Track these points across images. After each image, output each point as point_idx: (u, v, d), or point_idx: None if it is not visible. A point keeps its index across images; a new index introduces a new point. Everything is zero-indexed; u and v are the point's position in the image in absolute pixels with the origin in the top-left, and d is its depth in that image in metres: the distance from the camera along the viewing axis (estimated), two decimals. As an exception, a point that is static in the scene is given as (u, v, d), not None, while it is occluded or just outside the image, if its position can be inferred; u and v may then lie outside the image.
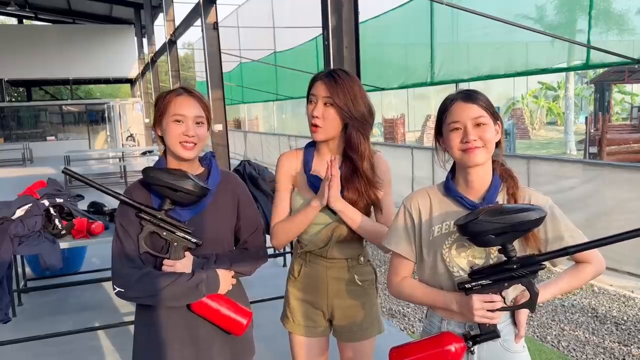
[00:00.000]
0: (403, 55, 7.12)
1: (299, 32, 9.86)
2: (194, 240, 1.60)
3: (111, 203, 1.80)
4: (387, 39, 7.29)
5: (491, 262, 1.42)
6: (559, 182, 5.87)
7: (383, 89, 7.48)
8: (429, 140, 19.65)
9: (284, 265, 5.02)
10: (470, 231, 1.31)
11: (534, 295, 1.35)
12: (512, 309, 1.43)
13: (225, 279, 1.62)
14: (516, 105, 25.67)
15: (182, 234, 1.60)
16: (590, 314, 4.30)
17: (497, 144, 1.47)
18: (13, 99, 29.94)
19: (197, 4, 6.64)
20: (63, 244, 3.27)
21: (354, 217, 1.73)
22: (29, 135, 21.74)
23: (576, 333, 3.95)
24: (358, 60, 3.27)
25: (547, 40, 4.86)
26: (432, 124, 19.86)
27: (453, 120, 1.42)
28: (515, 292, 1.44)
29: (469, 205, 1.43)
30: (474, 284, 1.35)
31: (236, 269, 1.68)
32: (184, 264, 1.59)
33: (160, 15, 12.44)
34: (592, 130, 14.32)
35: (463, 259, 1.44)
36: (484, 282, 1.35)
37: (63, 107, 23.07)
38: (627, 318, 4.20)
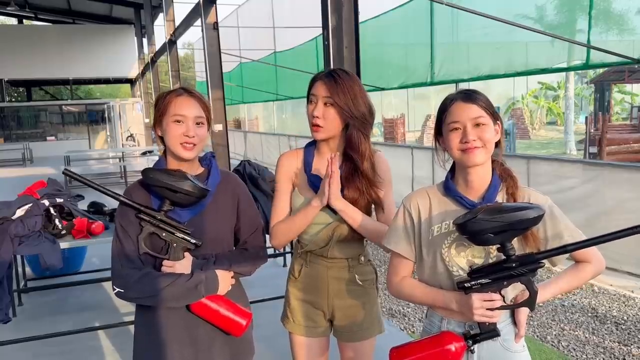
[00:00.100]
0: (403, 55, 7.12)
1: (299, 32, 9.86)
2: (193, 241, 1.61)
3: (111, 203, 1.80)
4: (387, 39, 7.29)
5: (490, 261, 1.42)
6: (559, 182, 5.87)
7: (383, 89, 7.48)
8: (429, 140, 19.65)
9: (284, 265, 5.02)
10: (469, 230, 1.32)
11: (533, 293, 1.36)
12: (512, 308, 1.43)
13: (225, 279, 1.62)
14: (516, 105, 25.67)
15: (181, 235, 1.60)
16: (590, 314, 4.30)
17: (497, 144, 1.47)
18: (13, 99, 29.95)
19: (197, 4, 6.64)
20: (63, 244, 3.28)
21: (354, 216, 1.73)
22: (29, 135, 21.75)
23: (576, 333, 3.95)
24: (358, 60, 3.27)
25: (547, 40, 4.86)
26: (432, 123, 19.86)
27: (452, 120, 1.43)
28: (515, 291, 1.45)
29: (468, 204, 1.44)
30: (473, 283, 1.36)
31: (236, 270, 1.68)
32: (183, 264, 1.59)
33: (160, 15, 12.44)
34: (592, 130, 14.32)
35: (462, 259, 1.45)
36: (483, 281, 1.35)
37: (63, 107, 23.08)
38: (627, 318, 4.20)
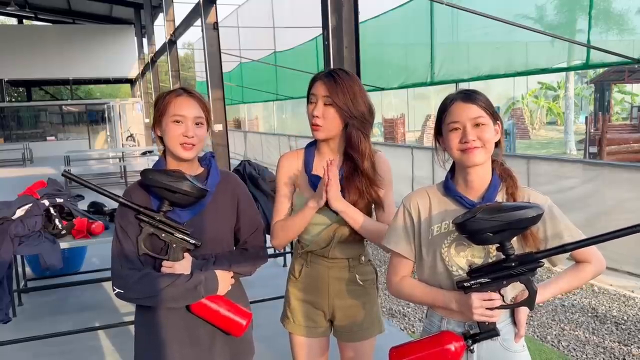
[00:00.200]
0: (403, 55, 7.12)
1: (299, 32, 9.86)
2: (192, 241, 1.61)
3: (111, 203, 1.80)
4: (387, 39, 7.29)
5: (490, 261, 1.42)
6: (559, 182, 5.87)
7: (383, 89, 7.48)
8: (429, 140, 19.64)
9: (284, 265, 5.02)
10: (468, 229, 1.32)
11: (532, 293, 1.36)
12: (511, 307, 1.43)
13: (224, 279, 1.62)
14: (516, 105, 25.67)
15: (180, 235, 1.60)
16: (590, 314, 4.30)
17: (497, 144, 1.47)
18: (13, 99, 29.94)
19: (197, 4, 6.64)
20: (63, 244, 3.28)
21: (355, 217, 1.73)
22: (29, 135, 21.75)
23: (576, 333, 3.95)
24: (358, 60, 3.27)
25: (547, 40, 4.86)
26: (432, 123, 19.86)
27: (452, 121, 1.43)
28: (514, 291, 1.45)
29: (468, 204, 1.44)
30: (472, 282, 1.36)
31: (236, 270, 1.68)
32: (183, 265, 1.59)
33: (160, 15, 12.45)
34: (592, 130, 14.32)
35: (462, 258, 1.45)
36: (482, 280, 1.35)
37: (63, 107, 23.07)
38: (627, 318, 4.20)
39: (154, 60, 14.19)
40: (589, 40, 4.27)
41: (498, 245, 1.34)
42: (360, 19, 3.37)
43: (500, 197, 1.46)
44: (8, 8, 17.53)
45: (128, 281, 1.56)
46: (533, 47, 5.20)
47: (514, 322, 1.47)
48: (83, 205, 3.91)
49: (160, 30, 11.38)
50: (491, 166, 1.47)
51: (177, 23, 9.26)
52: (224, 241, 1.71)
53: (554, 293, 1.48)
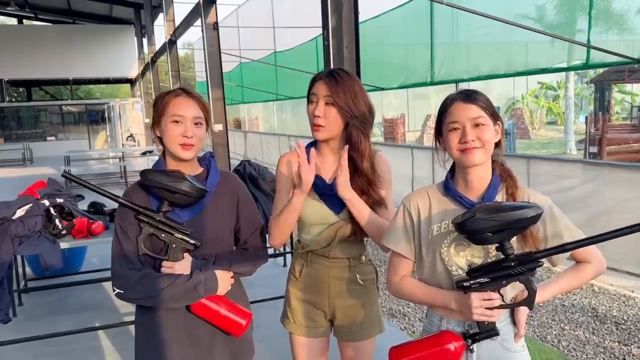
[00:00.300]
0: (403, 55, 7.12)
1: (299, 32, 9.87)
2: (192, 241, 1.61)
3: (111, 203, 1.81)
4: (387, 39, 7.30)
5: (490, 261, 1.42)
6: (559, 182, 5.87)
7: (383, 89, 7.49)
8: (429, 140, 19.64)
9: (284, 265, 5.02)
10: (468, 229, 1.32)
11: (532, 292, 1.36)
12: (510, 307, 1.43)
13: (224, 280, 1.62)
14: (516, 105, 25.67)
15: (180, 236, 1.60)
16: (590, 314, 4.30)
17: (497, 144, 1.47)
18: (13, 99, 29.95)
19: (197, 4, 6.65)
20: (63, 244, 3.28)
21: (360, 208, 1.72)
22: (29, 136, 21.74)
23: (576, 333, 3.95)
24: (358, 60, 3.27)
25: (547, 40, 4.86)
26: (432, 123, 19.87)
27: (452, 121, 1.43)
28: (514, 291, 1.45)
29: (467, 204, 1.44)
30: (472, 282, 1.36)
31: (236, 270, 1.68)
32: (183, 265, 1.60)
33: (160, 15, 12.45)
34: (592, 130, 14.31)
35: (462, 258, 1.45)
36: (482, 280, 1.35)
37: (63, 107, 23.07)
38: (627, 318, 4.20)
39: (154, 60, 14.20)
40: (589, 40, 4.27)
41: (497, 245, 1.34)
42: (360, 19, 3.37)
43: (500, 197, 1.46)
44: (8, 8, 17.54)
45: (128, 281, 1.56)
46: (533, 47, 5.21)
47: (514, 322, 1.47)
48: (83, 206, 3.91)
49: (160, 30, 11.39)
50: (491, 166, 1.47)
51: (177, 23, 9.26)
52: (223, 241, 1.71)
53: (554, 293, 1.48)
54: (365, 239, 1.87)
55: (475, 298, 1.35)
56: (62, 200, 3.51)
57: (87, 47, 20.84)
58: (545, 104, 26.38)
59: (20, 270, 4.39)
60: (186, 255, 1.62)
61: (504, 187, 1.47)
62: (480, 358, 1.46)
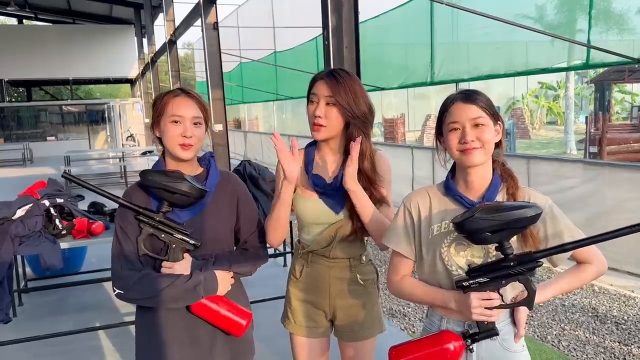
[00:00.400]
0: (403, 55, 7.12)
1: (299, 32, 9.87)
2: (192, 241, 1.61)
3: (111, 203, 1.81)
4: (387, 39, 7.30)
5: (489, 260, 1.42)
6: (559, 181, 5.87)
7: (383, 89, 7.49)
8: (429, 140, 19.64)
9: (284, 265, 5.02)
10: (467, 229, 1.32)
11: (531, 292, 1.36)
12: (510, 307, 1.43)
13: (224, 280, 1.62)
14: (516, 105, 25.67)
15: (180, 236, 1.60)
16: (590, 314, 4.30)
17: (498, 144, 1.47)
18: (13, 99, 29.95)
19: (197, 4, 6.65)
20: (63, 244, 3.28)
21: (363, 200, 1.71)
22: (29, 136, 21.74)
23: (576, 333, 3.95)
24: (358, 60, 3.27)
25: (547, 40, 4.86)
26: (432, 123, 19.87)
27: (452, 121, 1.43)
28: (514, 291, 1.45)
29: (468, 204, 1.44)
30: (471, 281, 1.36)
31: (236, 270, 1.68)
32: (183, 265, 1.59)
33: (160, 15, 12.45)
34: (592, 130, 14.31)
35: (462, 258, 1.45)
36: (481, 279, 1.35)
37: (63, 107, 23.08)
38: (628, 318, 4.20)
39: (154, 60, 14.21)
40: (589, 40, 4.28)
41: (497, 244, 1.34)
42: (360, 19, 3.37)
43: (501, 197, 1.46)
44: (8, 8, 17.54)
45: (128, 282, 1.56)
46: (533, 47, 5.21)
47: (514, 322, 1.47)
48: (83, 206, 3.90)
49: (160, 30, 11.39)
50: (492, 166, 1.47)
51: (177, 23, 9.27)
52: (224, 241, 1.71)
53: (554, 293, 1.48)
54: (366, 238, 1.87)
55: (475, 298, 1.35)
56: (62, 200, 3.51)
57: (87, 47, 20.84)
58: (546, 103, 26.38)
59: (20, 270, 4.39)
60: (186, 255, 1.61)
61: (505, 187, 1.47)
62: (480, 358, 1.46)
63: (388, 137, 20.80)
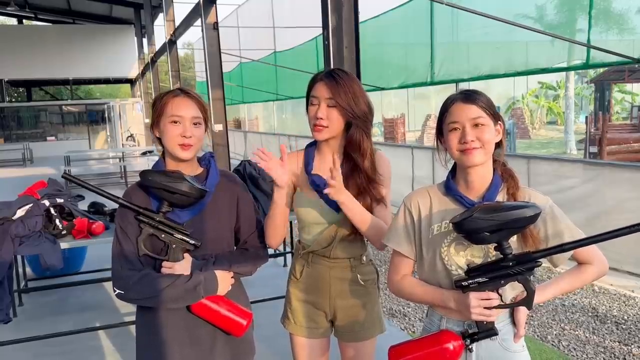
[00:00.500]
0: (403, 55, 7.12)
1: (299, 32, 9.87)
2: (192, 241, 1.61)
3: (111, 203, 1.81)
4: (387, 39, 7.30)
5: (489, 260, 1.42)
6: (559, 181, 5.87)
7: (383, 89, 7.49)
8: (429, 139, 19.64)
9: (284, 265, 5.02)
10: (466, 228, 1.32)
11: (530, 292, 1.35)
12: (509, 307, 1.43)
13: (224, 280, 1.62)
14: (516, 105, 25.66)
15: (180, 236, 1.60)
16: (590, 314, 4.30)
17: (499, 144, 1.47)
18: (13, 99, 29.95)
19: (197, 4, 6.65)
20: (63, 244, 3.27)
21: (355, 209, 1.69)
22: (29, 136, 21.74)
23: (576, 332, 3.95)
24: (358, 60, 3.28)
25: (547, 40, 4.86)
26: (432, 123, 19.87)
27: (452, 121, 1.43)
28: (514, 291, 1.45)
29: (468, 204, 1.44)
30: (470, 281, 1.36)
31: (236, 270, 1.68)
32: (183, 265, 1.60)
33: (160, 15, 12.46)
34: (593, 130, 14.30)
35: (462, 258, 1.45)
36: (480, 279, 1.35)
37: (63, 107, 23.08)
38: (628, 317, 4.20)
39: (154, 60, 14.21)
40: (589, 40, 4.28)
41: (496, 244, 1.34)
42: (360, 19, 3.37)
43: (501, 197, 1.46)
44: (8, 8, 17.54)
45: (128, 282, 1.57)
46: (533, 47, 5.21)
47: (514, 322, 1.47)
48: (83, 206, 3.90)
49: (160, 30, 11.40)
50: (493, 166, 1.47)
51: (177, 23, 9.27)
52: (224, 241, 1.71)
53: (555, 293, 1.48)
54: (366, 238, 1.87)
55: (474, 298, 1.35)
56: (62, 201, 3.51)
57: (87, 47, 20.84)
58: (546, 103, 26.37)
59: (20, 270, 4.39)
60: (186, 255, 1.62)
61: (505, 187, 1.47)
62: (480, 358, 1.46)
63: (388, 137, 20.80)
